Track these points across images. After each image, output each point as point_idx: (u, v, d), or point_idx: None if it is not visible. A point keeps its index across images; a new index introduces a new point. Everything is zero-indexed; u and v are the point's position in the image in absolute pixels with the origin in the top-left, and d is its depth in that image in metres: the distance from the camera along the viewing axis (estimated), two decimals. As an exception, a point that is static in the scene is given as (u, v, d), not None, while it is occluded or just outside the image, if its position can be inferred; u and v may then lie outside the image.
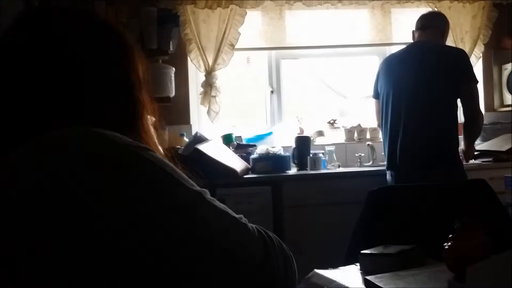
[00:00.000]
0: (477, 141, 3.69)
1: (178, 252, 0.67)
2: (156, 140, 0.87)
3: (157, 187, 0.68)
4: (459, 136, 2.81)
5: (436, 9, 3.66)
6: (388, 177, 2.86)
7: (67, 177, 0.65)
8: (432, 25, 2.91)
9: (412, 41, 2.99)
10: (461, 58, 2.82)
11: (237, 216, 0.74)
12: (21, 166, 0.68)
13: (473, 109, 2.78)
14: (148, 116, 0.87)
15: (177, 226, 0.67)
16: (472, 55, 3.81)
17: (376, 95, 3.02)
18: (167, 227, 0.66)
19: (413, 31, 2.99)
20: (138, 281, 0.66)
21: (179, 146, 3.19)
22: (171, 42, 3.45)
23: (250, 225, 0.75)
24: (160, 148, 0.86)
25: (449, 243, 1.04)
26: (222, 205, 0.73)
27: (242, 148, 3.39)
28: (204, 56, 3.53)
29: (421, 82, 2.73)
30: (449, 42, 3.65)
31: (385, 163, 2.88)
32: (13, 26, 0.82)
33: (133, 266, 0.65)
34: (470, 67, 2.83)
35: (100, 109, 0.79)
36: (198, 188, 0.72)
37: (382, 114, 2.89)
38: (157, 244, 0.66)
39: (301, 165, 3.32)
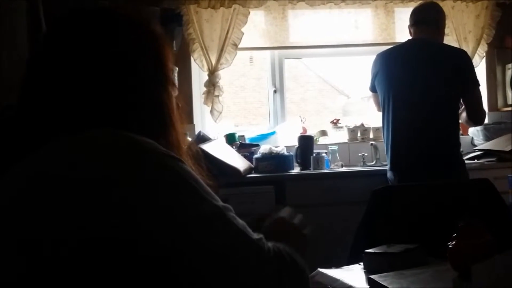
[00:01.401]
0: (480, 141, 3.70)
1: (188, 262, 0.67)
2: (185, 149, 0.88)
3: (180, 198, 0.68)
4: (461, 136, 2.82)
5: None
6: (390, 176, 2.85)
7: (95, 179, 0.66)
8: (425, 20, 2.86)
9: (410, 37, 2.96)
10: (462, 58, 2.79)
11: (255, 237, 0.73)
12: (50, 165, 0.69)
13: (476, 112, 2.79)
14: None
15: (190, 237, 0.67)
16: (476, 54, 3.81)
17: (373, 89, 3.00)
18: (182, 236, 0.67)
19: (408, 26, 2.96)
20: (143, 284, 0.66)
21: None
22: (174, 42, 3.45)
23: (268, 246, 0.74)
24: (188, 158, 0.86)
25: (453, 243, 1.04)
26: (241, 223, 0.73)
27: (245, 148, 3.39)
28: (207, 56, 3.54)
29: (422, 83, 2.72)
30: (452, 41, 3.65)
31: (387, 163, 2.88)
32: (57, 26, 0.84)
33: (140, 270, 0.66)
34: (472, 70, 2.82)
35: (135, 116, 0.80)
36: (221, 203, 0.72)
37: (382, 114, 2.88)
38: (166, 253, 0.66)
39: (304, 165, 3.31)
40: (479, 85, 2.79)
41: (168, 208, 0.67)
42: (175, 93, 0.89)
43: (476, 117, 2.85)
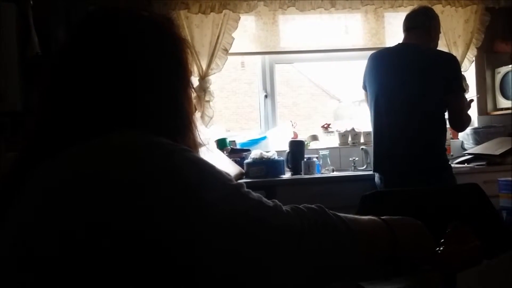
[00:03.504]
0: (470, 145, 3.72)
1: (215, 237, 0.68)
2: (199, 149, 0.89)
3: (196, 182, 0.69)
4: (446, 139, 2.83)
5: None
6: (377, 180, 2.87)
7: (111, 181, 0.67)
8: (416, 26, 2.86)
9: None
10: (449, 65, 2.78)
11: (271, 204, 0.75)
12: (69, 168, 0.71)
13: (459, 118, 2.79)
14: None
15: (211, 218, 0.68)
16: (465, 59, 3.83)
17: (364, 88, 3.01)
18: (201, 220, 0.68)
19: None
20: (162, 272, 0.67)
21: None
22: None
23: (285, 208, 0.76)
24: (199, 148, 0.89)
25: (441, 248, 1.04)
26: (256, 195, 0.75)
27: (236, 153, 3.39)
28: (197, 61, 3.53)
29: (407, 88, 2.72)
30: (442, 45, 3.67)
31: (373, 166, 2.89)
32: (80, 29, 0.84)
33: (162, 258, 0.67)
34: (458, 75, 2.82)
35: (156, 118, 0.82)
36: (235, 182, 0.74)
37: (370, 118, 2.90)
38: (192, 235, 0.67)
39: (295, 170, 3.32)
40: (464, 91, 2.80)
41: (190, 199, 0.68)
42: (193, 96, 0.90)
43: (458, 124, 2.85)
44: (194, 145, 0.88)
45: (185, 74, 0.88)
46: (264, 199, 0.75)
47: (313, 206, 0.80)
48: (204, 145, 0.91)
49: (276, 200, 0.77)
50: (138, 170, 0.68)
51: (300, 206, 0.78)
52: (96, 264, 0.65)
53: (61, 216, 0.67)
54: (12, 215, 0.73)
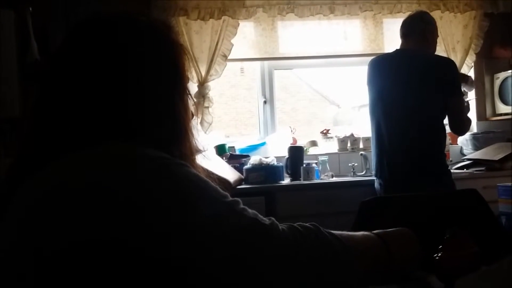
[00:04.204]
0: (470, 150, 3.72)
1: (209, 258, 0.67)
2: (195, 156, 0.88)
3: (190, 200, 0.68)
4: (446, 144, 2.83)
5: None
6: (377, 185, 2.87)
7: (101, 193, 0.65)
8: (411, 32, 2.87)
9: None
10: (448, 68, 2.79)
11: (267, 222, 0.74)
12: (55, 180, 0.69)
13: (459, 121, 2.79)
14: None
15: (206, 235, 0.67)
16: (464, 64, 3.84)
17: None
18: (195, 237, 0.67)
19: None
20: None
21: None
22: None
23: (281, 227, 0.75)
24: (198, 163, 0.87)
25: (439, 254, 1.03)
26: (252, 212, 0.74)
27: (235, 159, 3.38)
28: (196, 67, 3.54)
29: (405, 94, 2.73)
30: (441, 51, 3.67)
31: (373, 171, 2.89)
32: (75, 34, 0.83)
33: (157, 272, 0.65)
34: (456, 79, 2.82)
35: (152, 127, 0.80)
36: (230, 199, 0.73)
37: (370, 121, 2.90)
38: (184, 253, 0.66)
39: (295, 175, 3.31)
40: (463, 95, 2.81)
41: (185, 216, 0.67)
42: (190, 102, 0.89)
43: (458, 127, 2.86)
44: (191, 152, 0.86)
45: (182, 81, 0.87)
46: (260, 216, 0.74)
47: (307, 224, 0.79)
48: (201, 152, 0.90)
49: (273, 218, 0.76)
50: (132, 185, 0.66)
51: (295, 225, 0.78)
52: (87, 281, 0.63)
53: (42, 231, 0.65)
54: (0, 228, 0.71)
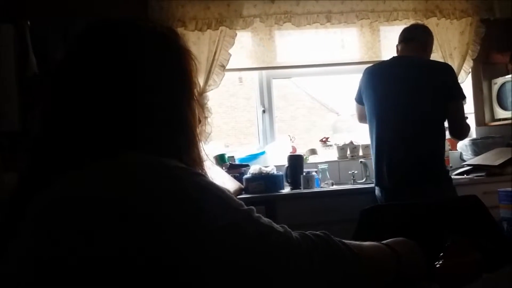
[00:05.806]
0: (469, 156, 3.72)
1: (225, 266, 0.67)
2: (204, 164, 0.88)
3: (207, 209, 0.68)
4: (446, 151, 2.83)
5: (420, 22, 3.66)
6: (377, 193, 2.86)
7: (117, 205, 0.65)
8: (414, 38, 2.90)
9: (396, 55, 2.99)
10: (447, 73, 2.80)
11: (281, 229, 0.74)
12: (66, 193, 0.68)
13: (460, 126, 2.80)
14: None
15: (223, 244, 0.67)
16: (462, 70, 3.85)
17: (359, 100, 3.01)
18: (213, 246, 0.66)
19: (396, 45, 2.99)
20: None
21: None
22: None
23: (295, 235, 0.75)
24: (208, 171, 0.86)
25: (440, 262, 1.03)
26: (267, 220, 0.75)
27: (235, 168, 3.38)
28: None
29: (407, 98, 2.73)
30: (438, 58, 3.69)
31: (374, 179, 2.89)
32: (80, 43, 0.81)
33: (173, 282, 0.65)
34: (456, 83, 2.83)
35: (161, 134, 0.79)
36: (246, 207, 0.73)
37: (369, 129, 2.90)
38: (200, 262, 0.66)
39: (295, 184, 3.31)
40: (463, 99, 2.81)
41: (203, 225, 0.67)
42: (198, 109, 0.88)
43: (458, 131, 2.86)
44: (200, 159, 0.85)
45: (190, 86, 0.86)
46: (275, 225, 0.75)
47: (318, 232, 0.80)
48: (209, 159, 0.90)
49: (286, 226, 0.76)
50: (149, 197, 0.66)
51: (307, 233, 0.78)
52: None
53: (51, 241, 0.65)
54: (11, 245, 0.71)
